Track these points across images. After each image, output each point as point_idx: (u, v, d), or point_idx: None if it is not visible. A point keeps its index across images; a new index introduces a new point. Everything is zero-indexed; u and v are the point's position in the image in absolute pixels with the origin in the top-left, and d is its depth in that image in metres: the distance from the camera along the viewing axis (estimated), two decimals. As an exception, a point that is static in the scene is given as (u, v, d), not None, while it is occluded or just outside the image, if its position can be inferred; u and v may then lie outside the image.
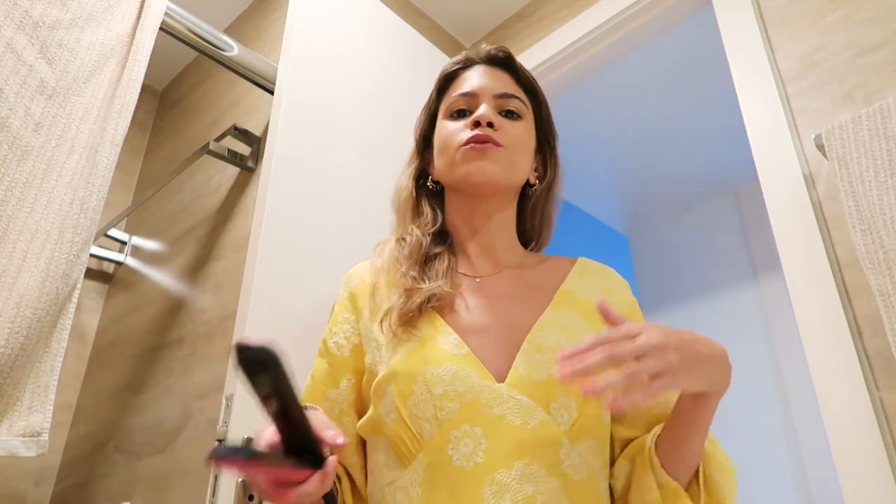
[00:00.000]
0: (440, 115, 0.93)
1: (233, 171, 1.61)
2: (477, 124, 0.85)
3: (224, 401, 1.14)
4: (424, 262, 0.84)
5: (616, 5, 1.71)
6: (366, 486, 0.81)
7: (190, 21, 1.43)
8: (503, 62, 0.94)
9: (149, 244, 1.85)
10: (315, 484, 0.58)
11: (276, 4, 1.80)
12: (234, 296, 1.34)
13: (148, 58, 1.29)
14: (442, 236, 0.90)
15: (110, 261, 1.92)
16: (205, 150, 1.55)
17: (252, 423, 1.07)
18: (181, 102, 2.11)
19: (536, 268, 0.90)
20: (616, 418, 0.81)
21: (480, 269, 0.87)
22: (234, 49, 1.50)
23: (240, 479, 1.07)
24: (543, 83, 1.30)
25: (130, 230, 1.97)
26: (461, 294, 0.83)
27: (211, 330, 1.41)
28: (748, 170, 1.41)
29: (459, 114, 0.90)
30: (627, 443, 0.81)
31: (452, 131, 0.88)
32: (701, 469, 0.73)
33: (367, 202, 1.39)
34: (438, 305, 0.80)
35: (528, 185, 0.93)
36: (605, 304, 0.66)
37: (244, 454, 0.53)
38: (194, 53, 2.00)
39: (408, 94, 1.54)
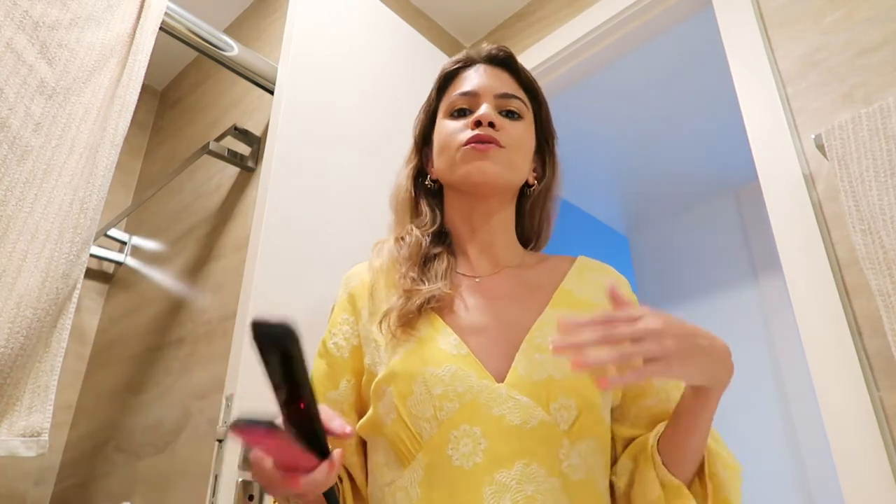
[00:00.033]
0: (440, 114, 0.92)
1: (233, 171, 1.61)
2: (478, 124, 0.85)
3: (224, 401, 1.14)
4: (424, 262, 0.84)
5: (616, 5, 1.71)
6: (366, 486, 0.81)
7: (190, 21, 1.43)
8: (504, 62, 0.93)
9: (149, 244, 1.85)
10: (323, 473, 0.58)
11: (276, 4, 1.80)
12: (234, 296, 1.34)
13: (148, 58, 1.29)
14: (441, 236, 0.89)
15: (110, 261, 1.92)
16: (205, 150, 1.55)
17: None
18: (181, 102, 2.11)
19: (536, 267, 0.90)
20: (617, 417, 0.82)
21: (480, 269, 0.87)
22: (234, 49, 1.50)
23: (240, 480, 1.07)
24: (543, 83, 1.31)
25: (130, 230, 1.97)
26: (460, 294, 0.83)
27: (211, 330, 1.41)
28: (748, 170, 1.41)
29: (460, 113, 0.89)
30: (629, 441, 0.81)
31: (453, 130, 0.87)
32: (706, 466, 0.73)
33: (367, 202, 1.39)
34: (438, 306, 0.80)
35: (526, 185, 0.93)
36: (615, 288, 0.65)
37: (263, 426, 0.52)
38: (194, 53, 2.00)
39: (408, 94, 1.54)
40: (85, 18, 1.21)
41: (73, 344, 1.76)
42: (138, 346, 1.64)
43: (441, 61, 0.98)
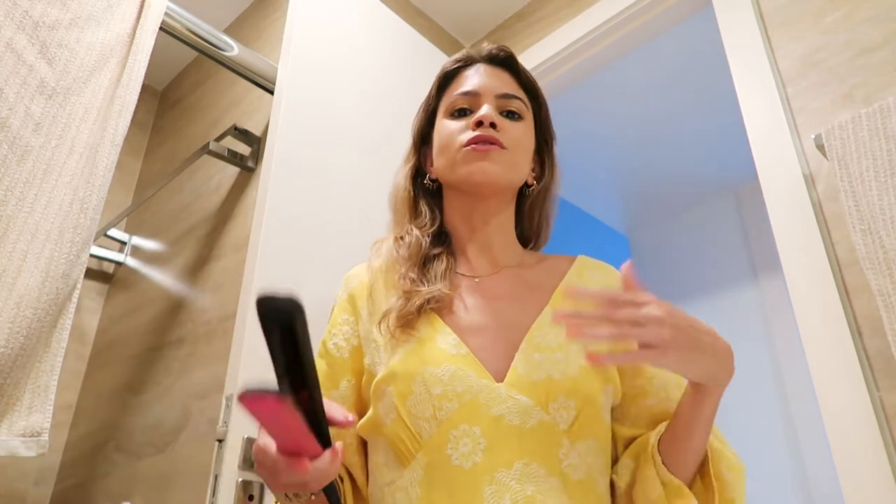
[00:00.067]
0: (440, 114, 0.92)
1: (233, 171, 1.61)
2: (479, 124, 0.85)
3: (224, 401, 1.14)
4: (423, 263, 0.84)
5: (616, 5, 1.71)
6: (367, 486, 0.81)
7: (190, 21, 1.43)
8: (504, 62, 0.93)
9: (149, 244, 1.85)
10: (326, 461, 0.57)
11: (276, 4, 1.80)
12: (234, 296, 1.34)
13: (148, 58, 1.29)
14: (440, 236, 0.89)
15: (110, 261, 1.92)
16: (205, 150, 1.55)
17: (253, 423, 1.07)
18: (181, 102, 2.11)
19: (535, 267, 0.90)
20: (617, 417, 0.82)
21: (479, 269, 0.87)
22: (234, 49, 1.50)
23: (240, 480, 1.07)
24: (543, 83, 1.31)
25: (130, 230, 1.97)
26: (460, 294, 0.83)
27: (211, 330, 1.41)
28: (748, 170, 1.41)
29: (460, 113, 0.89)
30: (630, 441, 0.81)
31: (453, 131, 0.87)
32: (711, 467, 0.73)
33: (367, 202, 1.39)
34: (437, 306, 0.80)
35: (525, 185, 0.93)
36: (629, 270, 0.64)
37: (273, 395, 0.50)
38: (194, 53, 2.00)
39: (408, 94, 1.54)
40: (85, 18, 1.21)
41: (73, 344, 1.76)
42: (138, 346, 1.64)
43: (441, 61, 0.98)
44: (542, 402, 0.72)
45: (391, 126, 1.52)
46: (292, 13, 1.47)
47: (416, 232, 0.87)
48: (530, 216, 0.95)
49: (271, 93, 1.49)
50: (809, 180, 1.23)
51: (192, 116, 1.99)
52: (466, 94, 0.89)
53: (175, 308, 1.57)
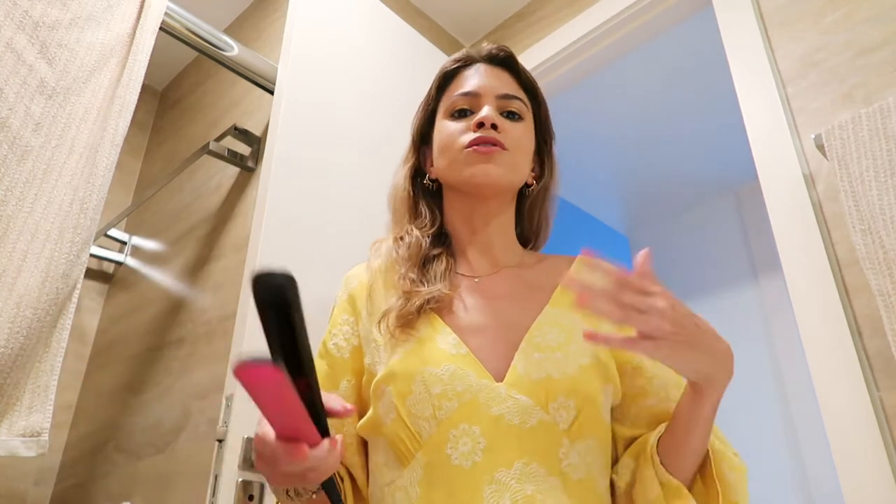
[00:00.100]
0: (440, 114, 0.92)
1: (233, 171, 1.61)
2: (480, 125, 0.85)
3: (224, 401, 1.14)
4: (423, 263, 0.84)
5: (616, 5, 1.71)
6: (367, 486, 0.81)
7: (190, 21, 1.43)
8: (504, 61, 0.93)
9: (149, 244, 1.85)
10: (325, 449, 0.56)
11: (276, 4, 1.80)
12: (234, 296, 1.34)
13: (148, 58, 1.29)
14: (440, 237, 0.89)
15: (110, 261, 1.92)
16: (205, 150, 1.55)
17: (252, 423, 1.07)
18: (181, 102, 2.11)
19: (535, 267, 0.90)
20: (617, 417, 0.81)
21: (479, 269, 0.87)
22: (234, 49, 1.50)
23: (240, 480, 1.07)
24: (543, 83, 1.31)
25: (130, 230, 1.97)
26: (459, 294, 0.83)
27: (211, 330, 1.41)
28: (748, 170, 1.41)
29: (460, 113, 0.89)
30: (630, 441, 0.81)
31: (454, 132, 0.87)
32: (713, 468, 0.72)
33: (367, 202, 1.39)
34: (437, 306, 0.80)
35: (525, 185, 0.92)
36: (646, 255, 0.63)
37: (270, 364, 0.47)
38: (194, 53, 2.00)
39: (408, 94, 1.54)
40: (85, 18, 1.21)
41: (73, 344, 1.76)
42: (138, 346, 1.64)
43: (441, 61, 0.98)
44: (541, 401, 0.72)
45: (391, 126, 1.52)
46: (292, 13, 1.47)
47: (415, 232, 0.87)
48: (530, 216, 0.95)
49: (271, 93, 1.49)
50: (809, 180, 1.23)
51: (192, 116, 1.99)
52: (467, 94, 0.89)
53: (175, 308, 1.57)
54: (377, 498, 0.76)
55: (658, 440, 0.75)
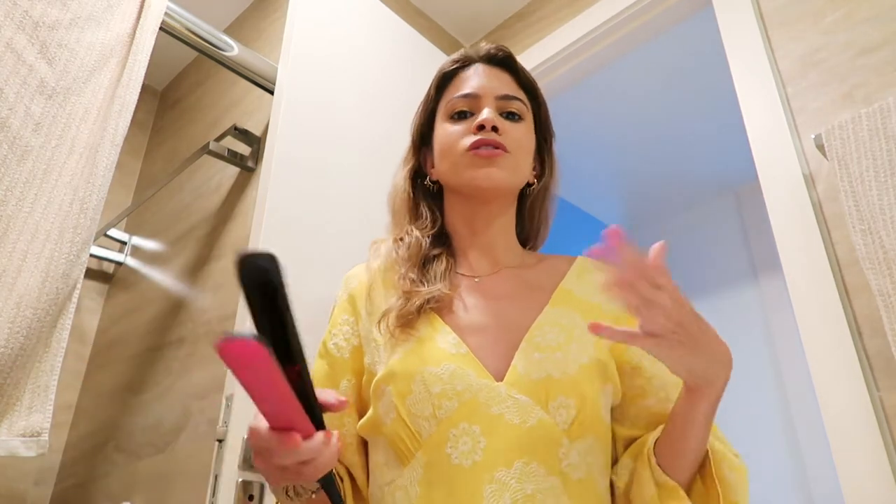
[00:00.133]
0: (439, 116, 0.92)
1: (233, 171, 1.61)
2: (481, 128, 0.85)
3: (224, 401, 1.14)
4: (423, 263, 0.84)
5: (616, 5, 1.71)
6: (367, 486, 0.81)
7: (190, 21, 1.43)
8: (503, 61, 0.93)
9: (149, 244, 1.85)
10: (319, 442, 0.55)
11: (276, 4, 1.80)
12: (234, 296, 1.34)
13: (148, 58, 1.29)
14: (441, 237, 0.89)
15: (110, 261, 1.92)
16: (205, 150, 1.55)
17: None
18: (181, 102, 2.11)
19: (535, 267, 0.90)
20: (617, 417, 0.82)
21: (479, 270, 0.87)
22: (234, 49, 1.50)
23: (240, 480, 1.07)
24: (543, 83, 1.31)
25: (130, 230, 1.97)
26: (459, 294, 0.83)
27: (211, 330, 1.41)
28: (748, 170, 1.41)
29: (460, 115, 0.89)
30: (630, 441, 0.81)
31: (455, 135, 0.87)
32: (714, 469, 0.72)
33: (367, 202, 1.39)
34: (437, 306, 0.79)
35: (526, 184, 0.92)
36: (662, 247, 0.62)
37: (255, 341, 0.44)
38: (194, 53, 2.00)
39: (408, 94, 1.54)
40: (85, 18, 1.21)
41: (73, 344, 1.76)
42: (138, 346, 1.64)
43: (441, 61, 0.98)
44: (541, 401, 0.72)
45: (391, 126, 1.52)
46: (292, 13, 1.47)
47: (416, 233, 0.87)
48: (530, 216, 0.95)
49: (271, 93, 1.49)
50: (809, 180, 1.23)
51: (192, 116, 1.99)
52: (466, 96, 0.89)
53: (175, 308, 1.57)
54: (377, 497, 0.76)
55: (656, 441, 0.75)
